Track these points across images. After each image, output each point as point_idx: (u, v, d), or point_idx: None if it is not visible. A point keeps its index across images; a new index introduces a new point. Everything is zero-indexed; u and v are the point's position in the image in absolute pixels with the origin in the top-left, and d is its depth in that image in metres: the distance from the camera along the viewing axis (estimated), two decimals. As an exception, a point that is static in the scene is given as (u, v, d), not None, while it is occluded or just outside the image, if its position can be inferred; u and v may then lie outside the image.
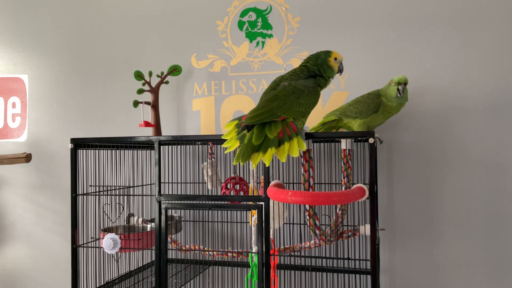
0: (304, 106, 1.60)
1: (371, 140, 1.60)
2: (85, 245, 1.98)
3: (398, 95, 1.79)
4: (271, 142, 1.50)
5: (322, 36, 2.21)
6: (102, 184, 2.07)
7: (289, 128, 1.55)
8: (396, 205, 2.10)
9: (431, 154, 2.06)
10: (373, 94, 1.88)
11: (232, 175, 2.06)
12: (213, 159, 2.08)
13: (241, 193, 2.03)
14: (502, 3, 2.00)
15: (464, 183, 2.03)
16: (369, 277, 1.66)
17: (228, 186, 2.03)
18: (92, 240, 2.00)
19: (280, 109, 1.55)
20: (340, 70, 1.74)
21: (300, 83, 1.63)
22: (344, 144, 1.83)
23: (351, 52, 2.16)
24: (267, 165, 1.54)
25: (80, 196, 1.97)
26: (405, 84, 1.79)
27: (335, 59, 1.70)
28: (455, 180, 2.04)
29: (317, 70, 1.70)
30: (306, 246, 1.91)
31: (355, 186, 1.66)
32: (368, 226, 1.67)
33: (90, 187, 2.01)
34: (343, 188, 1.85)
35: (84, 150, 2.01)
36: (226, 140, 1.59)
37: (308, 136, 1.68)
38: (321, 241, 1.84)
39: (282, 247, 1.91)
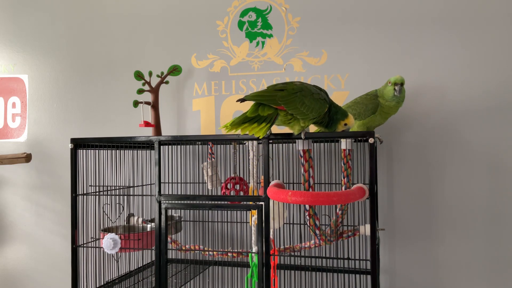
0: (307, 108, 1.59)
1: (371, 140, 1.60)
2: (85, 245, 1.98)
3: (395, 95, 1.79)
4: (258, 119, 1.57)
5: (322, 36, 2.21)
6: (102, 184, 2.07)
7: (272, 116, 1.59)
8: (396, 205, 2.10)
9: (431, 154, 2.06)
10: (371, 95, 1.88)
11: (232, 175, 2.06)
12: (213, 159, 2.08)
13: (241, 193, 2.03)
14: (501, 2, 2.00)
15: (464, 183, 2.03)
16: (369, 277, 1.66)
17: (228, 186, 2.03)
18: (92, 240, 1.99)
19: (282, 99, 1.57)
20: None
21: (314, 86, 1.66)
22: (344, 144, 1.83)
23: (351, 52, 2.16)
24: (242, 133, 1.57)
25: (80, 196, 1.97)
26: (402, 84, 1.78)
27: (345, 124, 1.70)
28: (455, 180, 2.04)
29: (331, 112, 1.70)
30: (306, 246, 1.91)
31: (355, 186, 1.66)
32: (368, 226, 1.67)
33: (90, 187, 2.01)
34: (343, 188, 1.85)
35: (84, 150, 2.01)
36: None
37: (308, 136, 1.68)
38: (321, 241, 1.84)
39: (282, 247, 1.91)
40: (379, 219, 2.10)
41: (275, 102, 1.57)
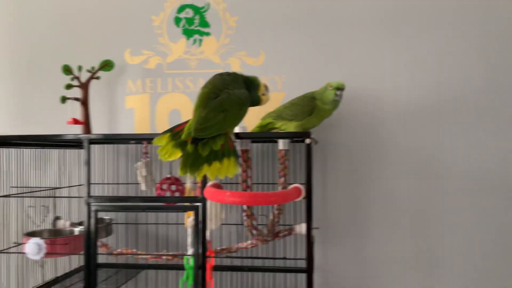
0: (242, 117, 1.56)
1: (307, 141, 1.63)
2: (6, 250, 1.86)
3: (335, 99, 1.82)
4: (215, 155, 1.45)
5: (260, 37, 2.22)
6: (25, 185, 1.95)
7: (228, 144, 1.48)
8: (329, 204, 2.16)
9: (362, 155, 2.14)
10: (308, 97, 1.91)
11: (168, 176, 2.01)
12: (147, 159, 2.02)
13: (177, 194, 1.99)
14: (434, 4, 2.11)
15: (392, 183, 2.12)
16: (304, 275, 1.69)
17: (164, 187, 1.98)
18: (15, 245, 1.88)
19: (228, 123, 1.49)
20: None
21: (241, 92, 1.57)
22: (281, 144, 1.85)
23: (288, 53, 2.19)
24: (212, 179, 1.50)
25: (0, 198, 1.85)
26: (343, 90, 1.83)
27: (263, 94, 1.66)
28: (383, 180, 2.13)
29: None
30: (243, 246, 1.91)
31: (292, 186, 1.68)
32: (303, 225, 1.70)
33: (12, 188, 1.89)
34: (280, 188, 1.87)
35: (6, 149, 1.88)
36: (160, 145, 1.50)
37: (247, 136, 1.68)
38: (258, 241, 1.84)
39: (218, 248, 1.89)
40: (313, 218, 2.14)
41: (223, 129, 1.48)
